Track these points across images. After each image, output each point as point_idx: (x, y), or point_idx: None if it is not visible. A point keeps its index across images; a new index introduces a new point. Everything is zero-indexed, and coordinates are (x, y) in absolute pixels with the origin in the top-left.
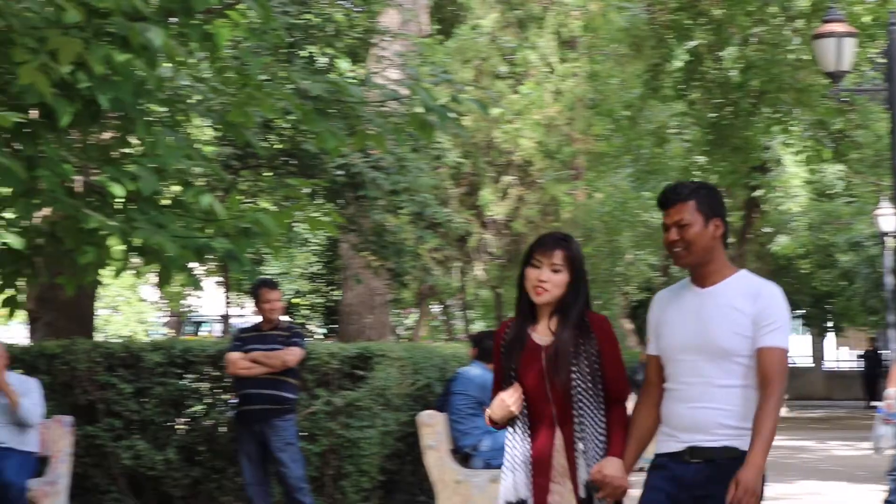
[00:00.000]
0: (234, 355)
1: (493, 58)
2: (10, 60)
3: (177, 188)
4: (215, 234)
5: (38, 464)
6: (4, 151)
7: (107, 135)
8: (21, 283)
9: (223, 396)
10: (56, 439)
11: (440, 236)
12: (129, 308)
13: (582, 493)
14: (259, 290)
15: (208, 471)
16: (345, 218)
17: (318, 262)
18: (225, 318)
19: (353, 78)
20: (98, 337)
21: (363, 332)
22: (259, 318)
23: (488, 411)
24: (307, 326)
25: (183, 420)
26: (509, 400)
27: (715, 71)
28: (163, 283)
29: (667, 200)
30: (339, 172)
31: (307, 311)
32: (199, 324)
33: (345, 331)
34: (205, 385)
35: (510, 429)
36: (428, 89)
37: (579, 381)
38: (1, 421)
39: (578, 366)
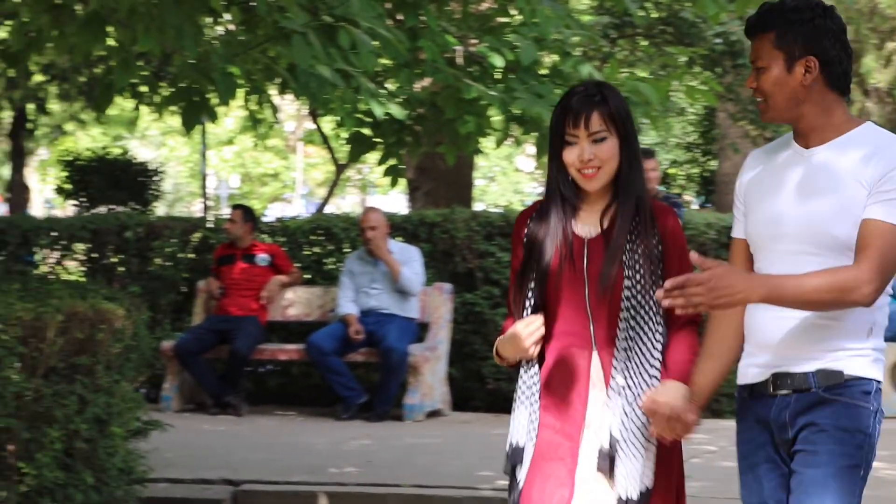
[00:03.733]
0: None
1: None
2: None
3: (555, 58)
4: None
5: (419, 329)
6: (388, 23)
7: (486, 5)
8: (403, 152)
9: None
10: (436, 306)
11: None
12: (505, 178)
13: (604, 443)
14: None
15: None
16: (723, 86)
17: (694, 131)
18: None
19: None
20: (475, 207)
21: None
22: None
23: (497, 343)
24: (683, 196)
25: None
26: (528, 339)
27: None
28: (541, 153)
29: (748, 29)
30: (718, 40)
31: (683, 181)
32: None
33: (721, 201)
34: None
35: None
36: None
37: (633, 292)
38: (382, 288)
39: (633, 269)
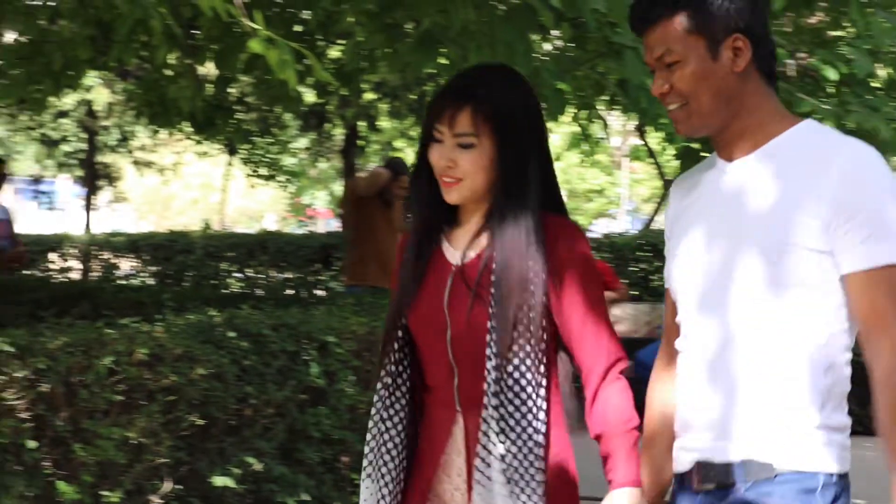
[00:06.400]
0: None
1: None
2: None
3: (890, 70)
4: None
5: None
6: None
7: (817, 18)
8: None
9: None
10: None
11: None
12: None
13: None
14: None
15: None
16: None
17: None
18: None
19: None
20: None
21: None
22: None
23: None
24: None
25: None
26: None
27: None
28: None
29: (637, 18)
30: None
31: None
32: None
33: None
34: None
35: (377, 400)
36: None
37: (499, 339)
38: None
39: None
